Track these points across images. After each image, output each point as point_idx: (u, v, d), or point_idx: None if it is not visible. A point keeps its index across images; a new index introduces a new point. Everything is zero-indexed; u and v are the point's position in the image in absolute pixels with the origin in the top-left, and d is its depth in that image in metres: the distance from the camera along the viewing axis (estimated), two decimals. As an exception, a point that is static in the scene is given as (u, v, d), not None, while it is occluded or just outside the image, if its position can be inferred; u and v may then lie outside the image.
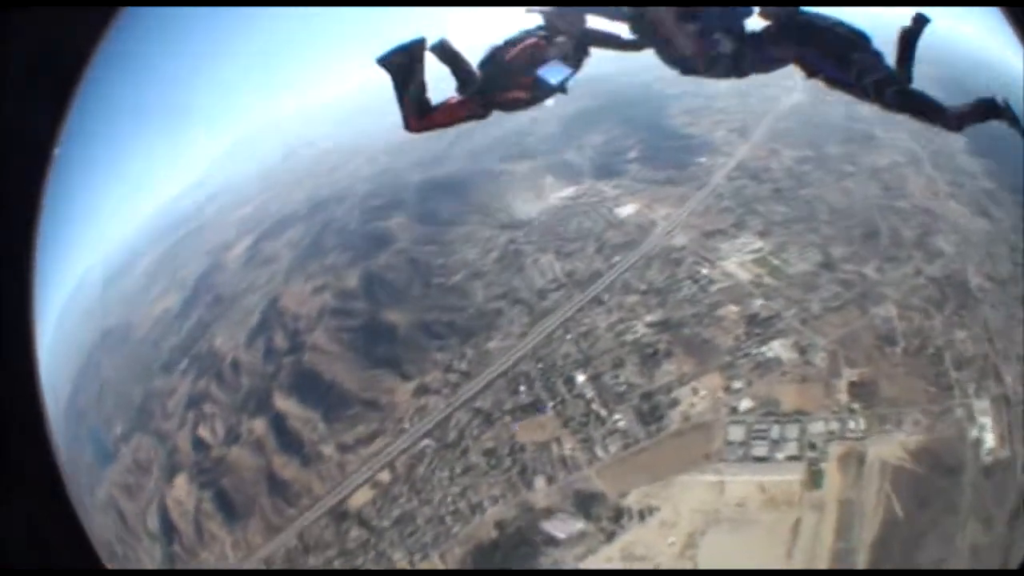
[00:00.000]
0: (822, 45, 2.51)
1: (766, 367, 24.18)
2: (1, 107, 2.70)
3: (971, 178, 30.48)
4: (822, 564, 20.91)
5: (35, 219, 2.95)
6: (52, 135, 2.92)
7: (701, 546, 19.20)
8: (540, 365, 22.30)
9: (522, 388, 20.96)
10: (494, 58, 3.14)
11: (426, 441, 19.00)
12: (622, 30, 3.23)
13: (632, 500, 19.45)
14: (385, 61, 2.69)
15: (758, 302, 25.82)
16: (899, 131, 37.32)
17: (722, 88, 31.27)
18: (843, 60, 2.45)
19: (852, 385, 24.38)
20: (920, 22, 2.61)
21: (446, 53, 2.78)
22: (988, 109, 2.82)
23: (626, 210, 29.15)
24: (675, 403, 22.72)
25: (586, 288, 26.33)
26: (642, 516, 18.63)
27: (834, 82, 2.64)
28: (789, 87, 36.57)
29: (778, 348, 24.59)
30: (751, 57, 2.71)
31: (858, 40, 2.56)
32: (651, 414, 22.11)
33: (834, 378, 24.56)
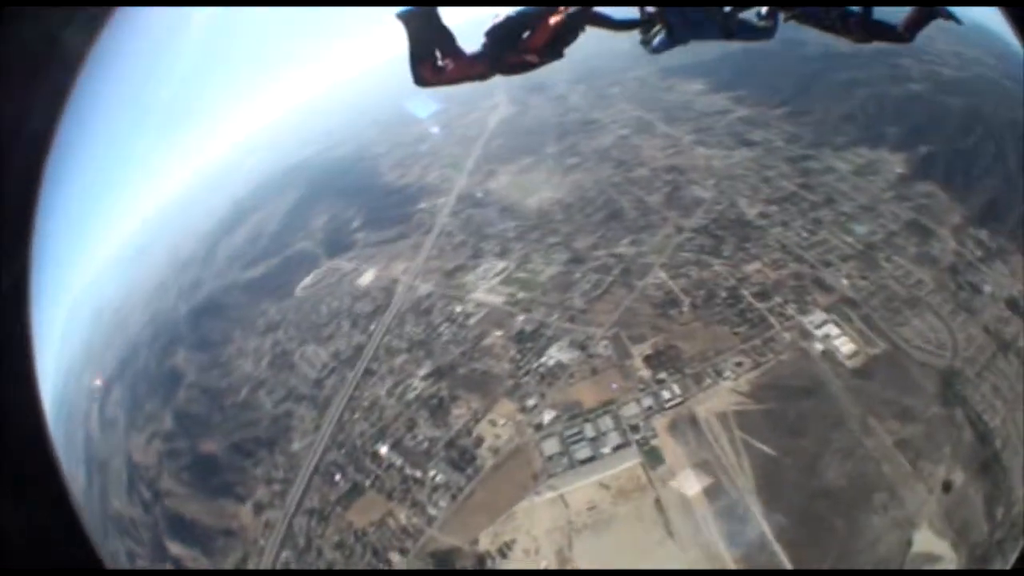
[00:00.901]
0: None
1: (552, 375, 34.76)
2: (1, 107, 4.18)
3: (720, 115, 54.80)
4: (712, 528, 29.32)
5: (33, 220, 4.44)
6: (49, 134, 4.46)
7: (576, 559, 26.81)
8: (343, 450, 31.25)
9: (337, 477, 29.68)
10: (508, 24, 5.17)
11: (285, 553, 27.22)
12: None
13: (486, 543, 27.18)
14: (403, 16, 4.40)
15: (519, 319, 37.82)
16: (619, 104, 55.15)
17: (422, 131, 51.73)
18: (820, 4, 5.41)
19: (649, 359, 35.25)
20: None
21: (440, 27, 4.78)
22: (925, 12, 5.48)
23: (367, 278, 42.50)
24: (480, 441, 31.67)
25: (355, 364, 37.03)
26: (503, 553, 26.22)
27: (811, 18, 5.33)
28: (493, 105, 56.28)
29: (556, 353, 35.58)
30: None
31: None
32: (462, 459, 30.66)
33: (626, 360, 35.44)
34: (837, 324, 40.56)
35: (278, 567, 28.97)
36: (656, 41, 6.55)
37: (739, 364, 37.55)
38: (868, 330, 41.57)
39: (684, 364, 36.94)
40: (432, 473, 30.61)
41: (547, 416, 33.76)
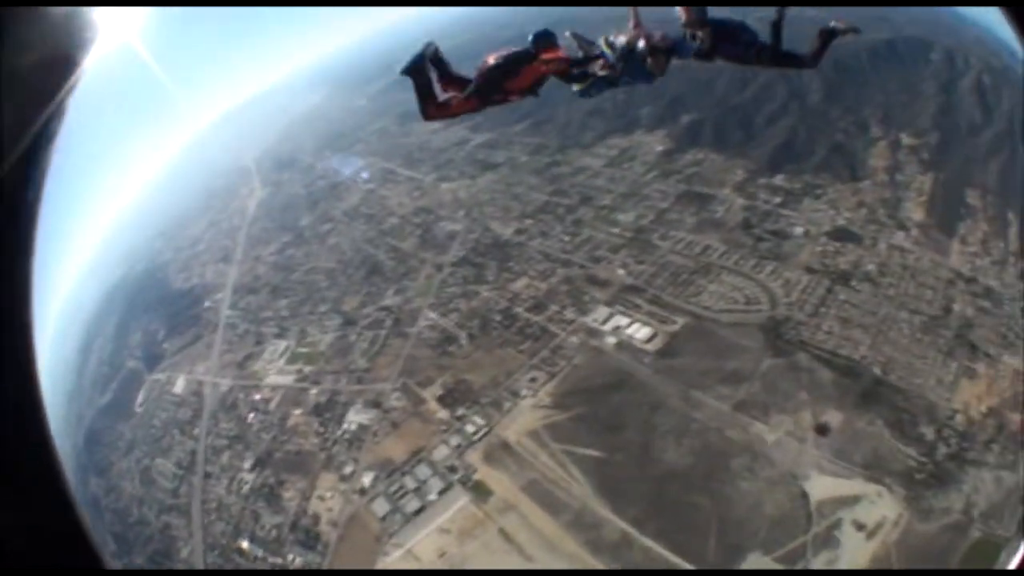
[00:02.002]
0: (728, 37, 10.67)
1: (358, 438, 55.60)
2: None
3: (459, 147, 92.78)
4: (568, 542, 47.48)
5: (34, 217, 6.60)
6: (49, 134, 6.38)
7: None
8: (217, 551, 50.84)
9: (209, 577, 40.28)
10: (497, 69, 10.34)
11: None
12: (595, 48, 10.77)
13: (358, 611, 37.37)
14: (408, 71, 9.73)
15: (312, 392, 60.06)
16: (363, 160, 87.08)
17: (197, 231, 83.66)
18: (737, 43, 10.71)
19: (442, 398, 56.65)
20: (780, 14, 10.44)
21: (437, 58, 10.15)
22: (827, 35, 10.42)
23: (179, 386, 65.48)
24: (317, 518, 50.06)
25: (194, 470, 58.75)
26: (376, 618, 36.19)
27: (734, 58, 10.97)
28: (249, 192, 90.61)
29: (355, 416, 56.81)
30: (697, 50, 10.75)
31: (743, 29, 10.71)
32: (309, 539, 49.33)
33: (420, 405, 56.78)
34: (624, 314, 62.83)
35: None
36: (592, 88, 11.66)
37: (533, 380, 57.75)
38: (660, 310, 64.11)
39: (478, 395, 57.37)
40: (291, 557, 48.78)
41: (366, 479, 53.02)
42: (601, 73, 11.84)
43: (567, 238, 73.07)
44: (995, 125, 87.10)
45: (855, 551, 48.23)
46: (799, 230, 73.53)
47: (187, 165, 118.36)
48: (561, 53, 11.43)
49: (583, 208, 76.63)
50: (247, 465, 56.75)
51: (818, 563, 47.15)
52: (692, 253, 70.18)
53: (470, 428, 55.18)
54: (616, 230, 72.97)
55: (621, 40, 11.72)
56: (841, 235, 73.85)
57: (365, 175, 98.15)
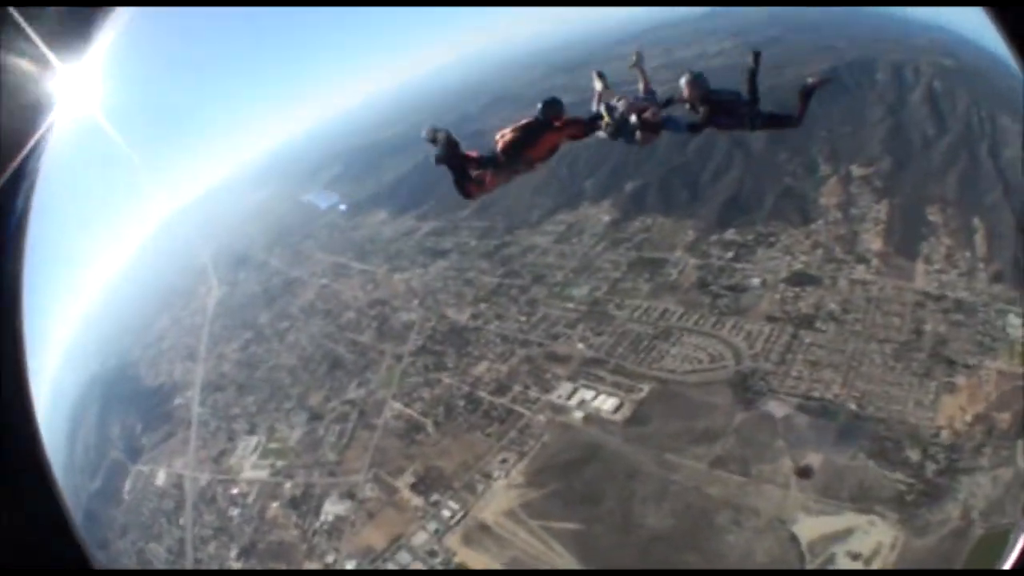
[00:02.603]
0: (724, 111, 12.39)
1: (337, 528, 61.59)
2: None
3: (408, 236, 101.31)
4: None
5: (25, 218, 7.10)
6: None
7: None
8: None
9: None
10: (517, 142, 12.27)
11: None
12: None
13: None
14: (442, 160, 12.16)
15: (287, 486, 66.39)
16: (315, 255, 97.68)
17: (161, 328, 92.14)
18: (732, 115, 12.30)
19: (414, 486, 62.51)
20: (756, 58, 12.29)
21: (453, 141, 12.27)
22: (806, 93, 12.35)
23: (160, 478, 71.67)
24: None
25: (184, 555, 64.96)
26: None
27: (730, 127, 12.74)
28: (207, 290, 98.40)
29: (331, 508, 62.64)
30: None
31: (737, 99, 12.30)
32: None
33: (393, 495, 62.66)
34: (588, 387, 68.22)
35: None
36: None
37: (504, 461, 62.48)
38: (624, 379, 69.22)
39: (450, 480, 62.01)
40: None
41: (349, 566, 57.88)
42: (602, 135, 13.60)
43: (523, 318, 79.42)
44: (950, 132, 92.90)
45: (853, 580, 47.52)
46: (756, 281, 78.93)
47: (147, 259, 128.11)
48: (567, 118, 13.08)
49: (536, 287, 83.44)
50: (233, 554, 61.83)
51: (814, 599, 46.67)
52: (650, 319, 76.09)
53: (446, 513, 60.17)
54: (571, 305, 79.36)
55: (620, 105, 13.45)
56: (799, 279, 78.58)
57: (343, 207, 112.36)
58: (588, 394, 67.58)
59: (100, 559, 66.07)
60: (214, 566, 60.93)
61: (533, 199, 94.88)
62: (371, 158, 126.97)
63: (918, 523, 52.37)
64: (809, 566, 52.26)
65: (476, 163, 12.95)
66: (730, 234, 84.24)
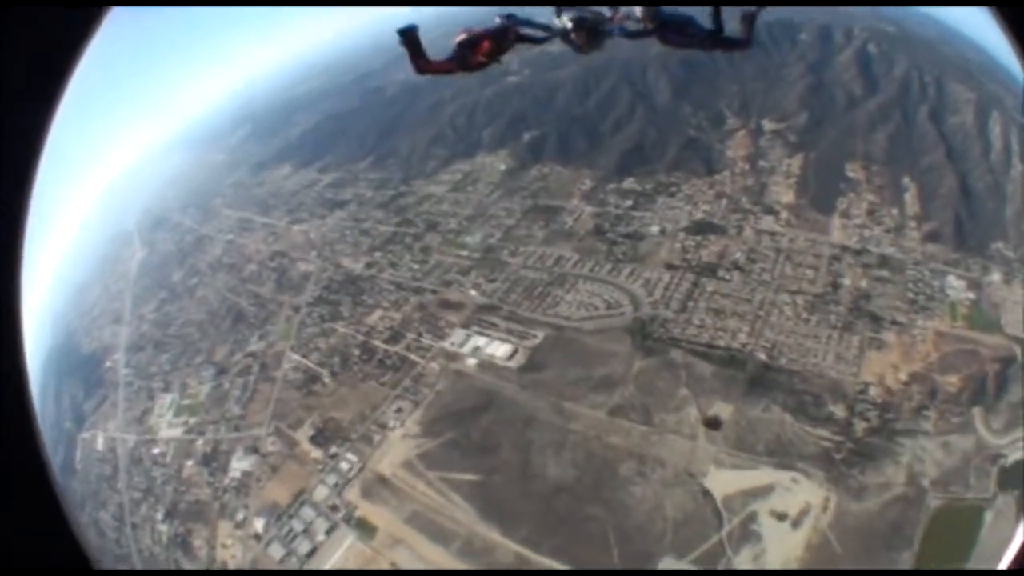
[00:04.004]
0: (675, 27, 13.74)
1: (244, 485, 64.13)
2: None
3: (308, 189, 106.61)
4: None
5: (23, 215, 7.36)
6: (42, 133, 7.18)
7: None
8: None
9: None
10: (466, 41, 13.90)
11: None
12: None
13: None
14: (402, 34, 12.58)
15: (199, 443, 69.10)
16: (223, 212, 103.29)
17: (94, 296, 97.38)
18: (683, 33, 13.73)
19: (314, 439, 64.84)
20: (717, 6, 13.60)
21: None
22: (750, 17, 14.40)
23: (99, 443, 74.70)
24: (225, 565, 59.22)
25: (124, 522, 68.71)
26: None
27: (680, 45, 14.26)
28: (131, 255, 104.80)
29: (237, 464, 65.38)
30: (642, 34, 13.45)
31: (689, 21, 13.74)
32: None
33: (294, 448, 65.08)
34: (481, 334, 70.20)
35: None
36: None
37: (399, 411, 64.36)
38: (518, 326, 71.24)
39: (347, 431, 64.03)
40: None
41: (258, 524, 59.69)
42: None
43: (416, 266, 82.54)
44: (882, 93, 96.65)
45: (783, 542, 52.13)
46: (655, 229, 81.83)
47: (88, 231, 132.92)
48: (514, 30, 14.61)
49: (430, 235, 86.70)
50: (159, 516, 64.65)
51: (742, 560, 51.33)
52: (544, 266, 78.97)
53: (344, 466, 62.38)
54: (464, 252, 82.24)
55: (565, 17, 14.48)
56: (701, 228, 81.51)
57: None
58: (481, 341, 69.78)
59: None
60: (147, 529, 64.17)
61: (430, 149, 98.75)
62: (279, 116, 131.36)
63: (851, 484, 53.62)
64: (727, 524, 52.96)
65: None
66: (629, 183, 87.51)
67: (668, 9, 15.27)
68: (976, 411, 57.78)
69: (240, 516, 61.76)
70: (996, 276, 69.31)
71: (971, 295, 67.67)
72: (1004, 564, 9.33)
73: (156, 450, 70.96)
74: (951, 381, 59.80)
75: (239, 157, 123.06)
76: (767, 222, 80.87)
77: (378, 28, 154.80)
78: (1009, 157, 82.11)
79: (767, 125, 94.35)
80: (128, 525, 65.58)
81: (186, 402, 74.73)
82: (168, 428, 72.82)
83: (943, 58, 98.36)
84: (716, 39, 15.06)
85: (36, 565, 7.87)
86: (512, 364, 67.37)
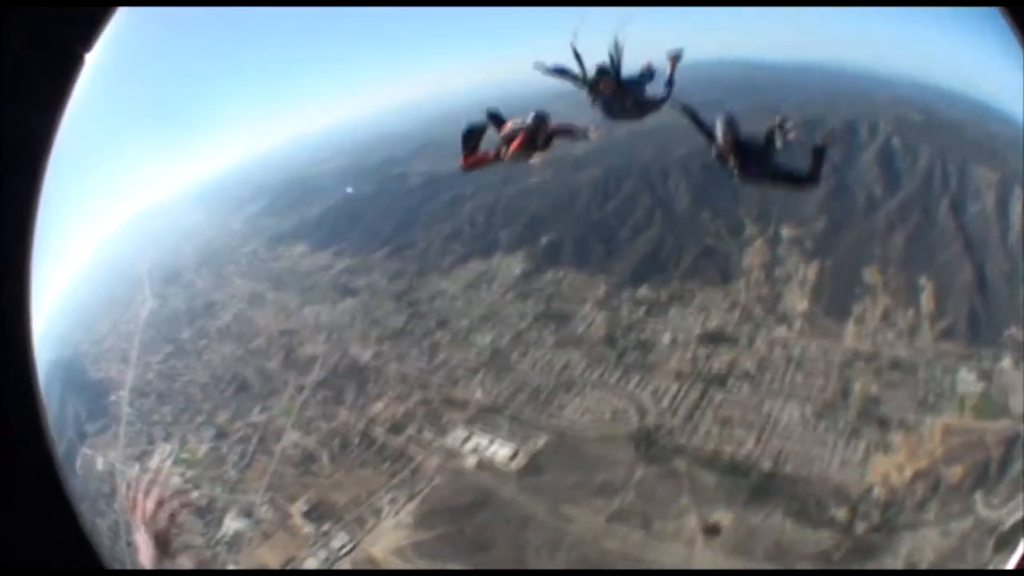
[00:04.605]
0: (756, 157, 15.19)
1: (236, 543, 68.08)
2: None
3: (323, 272, 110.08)
4: None
5: (32, 214, 7.71)
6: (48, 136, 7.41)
7: None
8: None
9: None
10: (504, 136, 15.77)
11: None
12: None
13: None
14: (469, 132, 15.62)
15: (195, 494, 71.62)
16: (235, 281, 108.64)
17: (104, 329, 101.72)
18: (759, 163, 15.23)
19: (307, 514, 67.98)
20: (822, 149, 15.10)
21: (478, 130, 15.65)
22: (818, 150, 15.40)
23: (99, 463, 78.87)
24: None
25: (119, 537, 62.85)
26: None
27: (754, 176, 15.38)
28: (143, 300, 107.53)
29: (231, 523, 68.85)
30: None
31: (770, 147, 15.06)
32: None
33: (287, 520, 68.28)
34: (483, 433, 72.64)
35: None
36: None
37: (394, 500, 66.81)
38: (521, 428, 73.65)
39: (341, 512, 66.46)
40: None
41: None
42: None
43: (424, 361, 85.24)
44: (903, 191, 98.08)
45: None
46: (666, 338, 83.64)
47: (104, 258, 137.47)
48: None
49: (440, 331, 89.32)
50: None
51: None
52: (552, 371, 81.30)
53: (336, 544, 65.55)
54: (473, 352, 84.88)
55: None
56: (713, 338, 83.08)
57: (349, 190, 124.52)
58: (483, 440, 72.26)
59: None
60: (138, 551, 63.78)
61: (447, 245, 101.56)
62: (299, 192, 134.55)
63: (851, 579, 49.52)
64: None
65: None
66: (643, 291, 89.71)
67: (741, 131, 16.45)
68: (977, 495, 60.03)
69: (230, 566, 64.74)
70: (1007, 362, 70.64)
71: (981, 385, 69.05)
72: (1011, 564, 10.20)
73: (158, 479, 71.30)
74: (955, 472, 61.68)
75: (256, 228, 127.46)
76: (780, 332, 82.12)
77: (407, 114, 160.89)
78: None
79: (785, 232, 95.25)
80: (123, 541, 67.69)
81: (185, 455, 78.53)
82: (169, 465, 77.14)
83: (970, 141, 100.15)
84: (785, 175, 16.17)
85: (46, 563, 8.19)
86: (512, 466, 69.61)
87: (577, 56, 16.83)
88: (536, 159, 17.00)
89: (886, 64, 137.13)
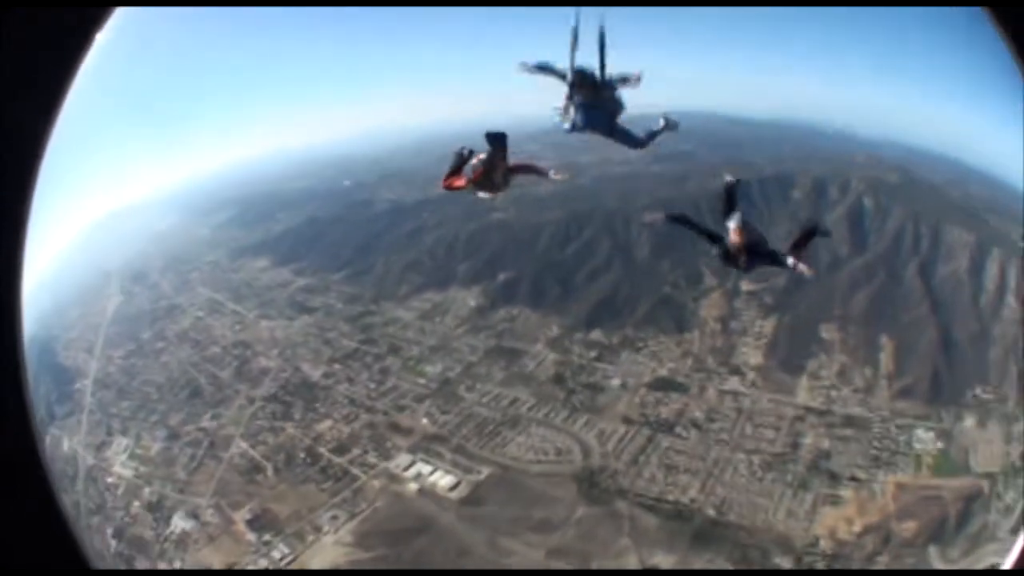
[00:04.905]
0: (761, 252, 16.65)
1: (183, 541, 70.52)
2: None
3: (282, 288, 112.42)
4: None
5: (25, 211, 8.06)
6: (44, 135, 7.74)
7: None
8: None
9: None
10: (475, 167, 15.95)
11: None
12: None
13: None
14: (458, 154, 15.94)
15: (146, 490, 75.02)
16: (197, 288, 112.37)
17: (74, 317, 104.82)
18: (762, 254, 16.78)
19: (251, 522, 69.82)
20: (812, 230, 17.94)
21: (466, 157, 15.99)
22: (797, 243, 17.97)
23: (64, 446, 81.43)
24: None
25: (79, 521, 66.51)
26: None
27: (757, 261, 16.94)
28: (109, 295, 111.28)
29: (179, 521, 71.25)
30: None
31: (762, 241, 16.79)
32: None
33: (231, 525, 70.48)
34: (427, 461, 73.62)
35: None
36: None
37: (335, 518, 67.90)
38: (465, 459, 74.43)
39: (283, 524, 67.63)
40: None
41: None
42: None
43: (373, 385, 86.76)
44: (870, 252, 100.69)
45: None
46: (616, 382, 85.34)
47: (83, 247, 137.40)
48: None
49: (391, 358, 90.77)
50: (110, 532, 70.96)
51: None
52: (499, 405, 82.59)
53: (276, 554, 67.14)
54: (422, 380, 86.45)
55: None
56: (663, 385, 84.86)
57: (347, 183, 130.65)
58: (426, 468, 73.59)
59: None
60: (98, 536, 69.65)
61: (405, 274, 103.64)
62: (266, 207, 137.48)
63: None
64: None
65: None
66: (596, 335, 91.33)
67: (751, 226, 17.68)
68: (932, 548, 61.83)
69: (178, 564, 67.94)
70: (969, 422, 73.05)
71: (939, 445, 71.18)
72: (1008, 564, 10.38)
73: (109, 479, 76.90)
74: (908, 527, 63.21)
75: (221, 237, 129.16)
76: (732, 383, 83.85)
77: (378, 140, 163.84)
78: (1003, 295, 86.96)
79: (744, 286, 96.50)
80: (82, 524, 69.64)
81: (139, 451, 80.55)
82: (121, 467, 78.79)
83: (947, 202, 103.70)
84: (773, 259, 17.29)
85: (33, 564, 8.31)
86: (453, 495, 70.73)
87: (575, 39, 16.92)
88: (498, 196, 17.50)
89: (866, 124, 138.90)
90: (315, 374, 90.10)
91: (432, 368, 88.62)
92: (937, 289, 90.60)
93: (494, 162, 16.53)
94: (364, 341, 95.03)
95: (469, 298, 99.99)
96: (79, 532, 9.08)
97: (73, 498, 72.35)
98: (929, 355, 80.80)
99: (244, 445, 79.41)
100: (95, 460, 79.68)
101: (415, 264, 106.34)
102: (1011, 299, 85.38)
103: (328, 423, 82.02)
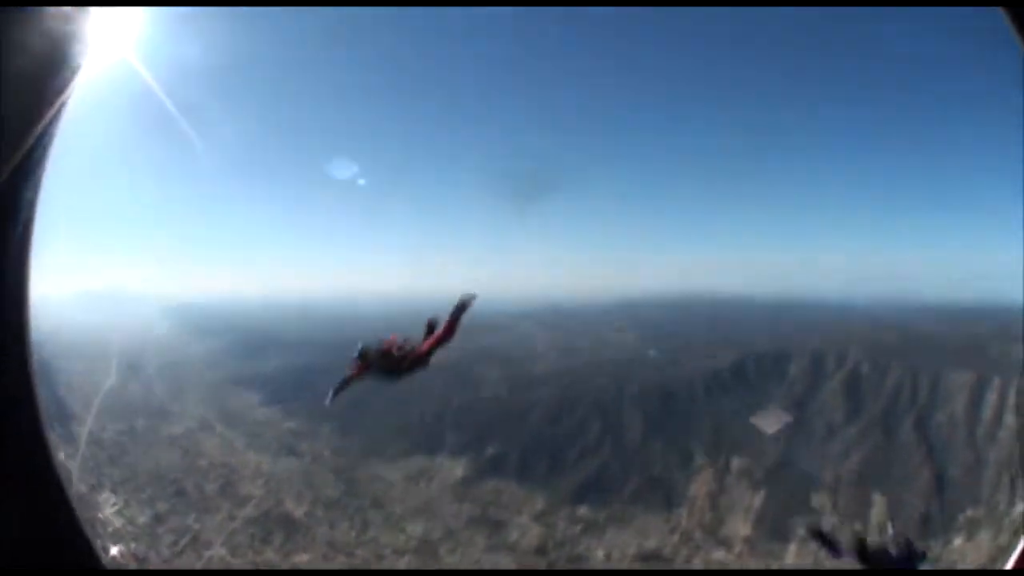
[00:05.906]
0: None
1: None
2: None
3: (272, 425, 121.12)
4: None
5: (31, 218, 8.09)
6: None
7: None
8: None
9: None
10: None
11: None
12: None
13: None
14: (361, 355, 15.05)
15: (132, 545, 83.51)
16: (186, 402, 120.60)
17: (78, 367, 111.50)
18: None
19: None
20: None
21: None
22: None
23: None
24: None
25: None
26: None
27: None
28: (106, 370, 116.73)
29: None
30: None
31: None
32: None
33: None
34: None
35: None
36: None
37: None
38: None
39: None
40: None
41: None
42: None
43: (354, 533, 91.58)
44: (864, 418, 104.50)
45: None
46: (599, 554, 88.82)
47: (83, 311, 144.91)
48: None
49: (373, 511, 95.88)
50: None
51: None
52: (479, 570, 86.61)
53: None
54: (403, 537, 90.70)
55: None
56: (648, 557, 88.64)
57: (361, 182, 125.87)
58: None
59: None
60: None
61: (394, 436, 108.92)
62: (262, 342, 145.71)
63: None
64: None
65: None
66: (583, 510, 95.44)
67: None
68: None
69: None
70: (958, 541, 77.58)
71: None
72: (1009, 565, 10.24)
73: (100, 515, 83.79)
74: None
75: (217, 360, 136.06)
76: (718, 554, 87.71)
77: (382, 300, 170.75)
78: (1001, 417, 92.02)
79: (735, 463, 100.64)
80: None
81: (127, 512, 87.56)
82: (111, 511, 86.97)
83: (945, 347, 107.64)
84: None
85: (44, 564, 8.41)
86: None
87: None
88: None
89: (863, 290, 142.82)
90: (298, 511, 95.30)
91: (414, 527, 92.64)
92: (933, 436, 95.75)
93: (366, 365, 16.35)
94: (347, 492, 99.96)
95: (456, 467, 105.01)
96: (89, 532, 9.34)
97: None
98: (922, 498, 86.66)
99: (223, 551, 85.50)
100: (87, 495, 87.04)
101: (405, 428, 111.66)
102: (1009, 417, 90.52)
103: (307, 556, 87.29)
